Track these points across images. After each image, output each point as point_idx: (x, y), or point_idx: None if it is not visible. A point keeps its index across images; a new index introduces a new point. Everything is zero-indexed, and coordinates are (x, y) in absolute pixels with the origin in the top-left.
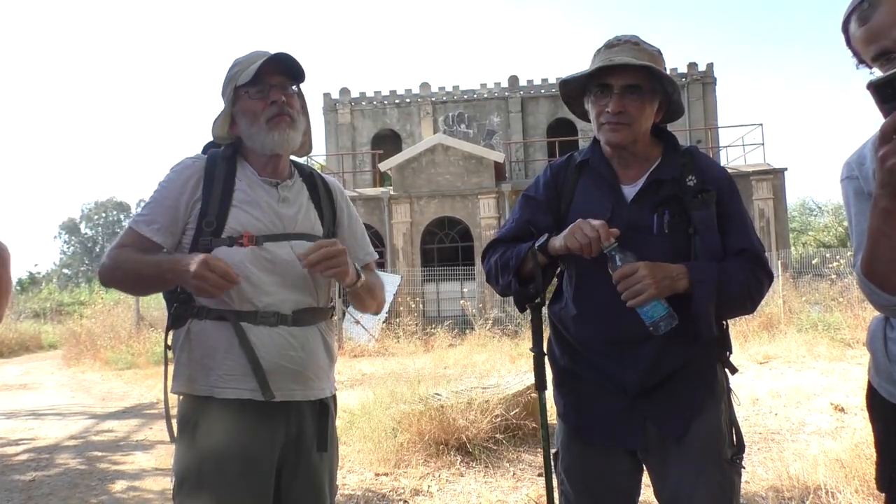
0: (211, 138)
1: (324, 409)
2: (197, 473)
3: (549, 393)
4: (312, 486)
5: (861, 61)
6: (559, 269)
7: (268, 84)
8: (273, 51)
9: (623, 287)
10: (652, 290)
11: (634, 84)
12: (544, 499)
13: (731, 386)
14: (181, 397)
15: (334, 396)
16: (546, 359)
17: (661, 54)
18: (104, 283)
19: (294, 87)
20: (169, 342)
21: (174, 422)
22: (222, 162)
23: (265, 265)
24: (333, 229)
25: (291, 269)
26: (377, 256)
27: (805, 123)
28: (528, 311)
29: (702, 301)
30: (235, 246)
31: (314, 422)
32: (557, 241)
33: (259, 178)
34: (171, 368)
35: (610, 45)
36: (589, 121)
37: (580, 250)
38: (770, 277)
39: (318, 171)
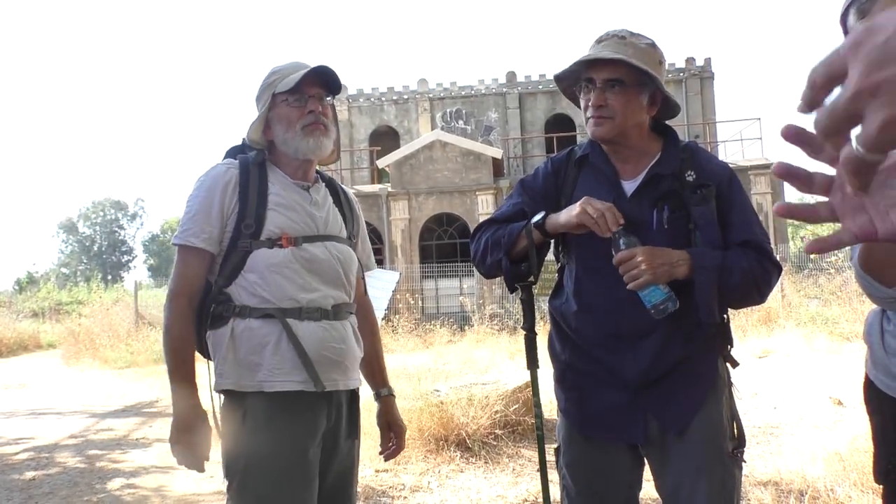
0: (236, 142)
1: (355, 398)
2: (245, 469)
3: (551, 389)
4: (345, 471)
5: None
6: (549, 252)
7: (306, 94)
8: (312, 62)
9: (622, 271)
10: (648, 276)
11: (616, 78)
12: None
13: (732, 380)
14: (221, 396)
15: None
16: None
17: (652, 47)
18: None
19: (329, 99)
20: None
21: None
22: (254, 167)
23: (305, 264)
24: (355, 233)
25: (329, 266)
26: (375, 267)
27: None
28: (519, 290)
29: (703, 287)
30: (275, 248)
31: (348, 410)
32: (561, 217)
33: (291, 181)
34: (207, 367)
35: (599, 41)
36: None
37: (595, 226)
38: (778, 268)
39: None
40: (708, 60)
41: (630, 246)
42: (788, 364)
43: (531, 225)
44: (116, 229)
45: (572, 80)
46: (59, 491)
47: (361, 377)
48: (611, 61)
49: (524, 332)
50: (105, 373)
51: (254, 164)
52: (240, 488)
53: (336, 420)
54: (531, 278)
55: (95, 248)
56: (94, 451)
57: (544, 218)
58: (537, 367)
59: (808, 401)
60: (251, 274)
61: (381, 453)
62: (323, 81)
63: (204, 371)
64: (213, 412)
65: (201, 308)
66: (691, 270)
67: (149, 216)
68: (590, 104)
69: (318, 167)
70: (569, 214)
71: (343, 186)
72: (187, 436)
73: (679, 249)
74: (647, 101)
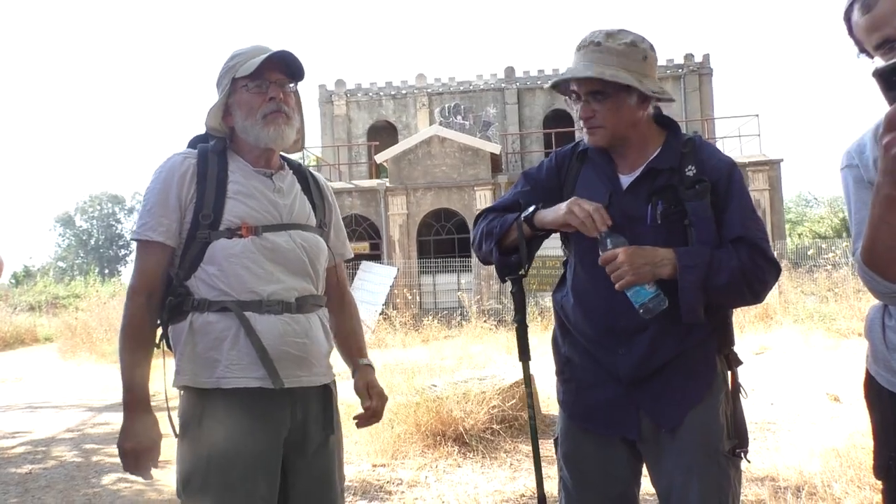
0: (199, 133)
1: (327, 394)
2: (204, 471)
3: (548, 382)
4: (319, 470)
5: (862, 50)
6: (556, 248)
7: (267, 80)
8: (274, 47)
9: (608, 271)
10: (630, 277)
11: (597, 90)
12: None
13: (739, 380)
14: (182, 392)
15: (334, 382)
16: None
17: (632, 45)
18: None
19: (292, 85)
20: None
21: (174, 415)
22: (214, 156)
23: (267, 254)
24: (325, 221)
25: (293, 256)
26: (352, 255)
27: (801, 114)
28: (510, 283)
29: (686, 287)
30: (234, 237)
31: (320, 406)
32: (549, 215)
33: (253, 169)
34: (168, 362)
35: (578, 48)
36: None
37: (582, 226)
38: (775, 266)
39: (315, 162)
40: (706, 56)
41: (616, 246)
42: (786, 360)
43: (521, 219)
44: (113, 223)
45: (565, 89)
46: (56, 485)
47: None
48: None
49: (518, 321)
50: (102, 367)
51: (213, 152)
52: (200, 490)
53: (304, 417)
54: (522, 271)
55: (92, 242)
56: (91, 445)
57: (534, 213)
58: (528, 358)
59: (805, 397)
60: (210, 266)
61: (354, 418)
62: (285, 67)
63: (166, 367)
64: (168, 412)
65: (164, 302)
66: (675, 270)
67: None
68: (578, 115)
69: (284, 154)
70: (556, 213)
71: (314, 173)
72: (134, 440)
73: (674, 246)
74: (635, 101)
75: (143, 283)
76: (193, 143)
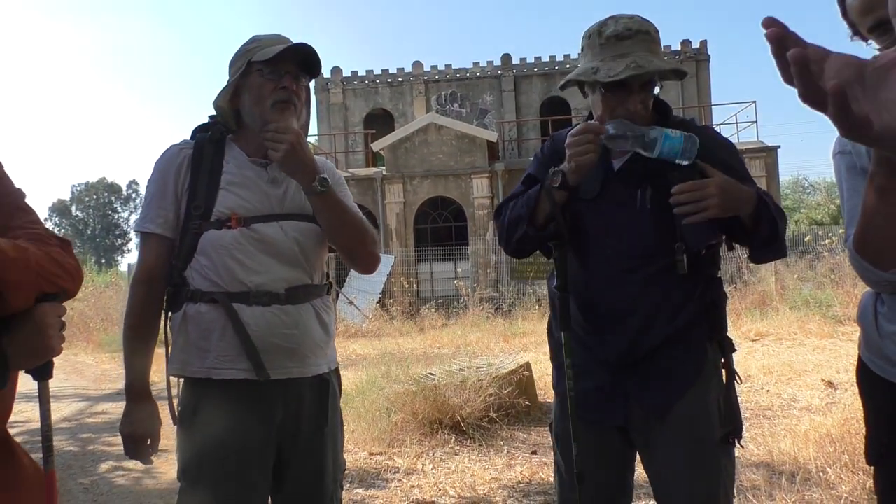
0: (200, 122)
1: (323, 385)
2: (198, 462)
3: (548, 372)
4: (312, 461)
5: (856, 33)
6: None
7: (283, 69)
8: (295, 39)
9: (686, 198)
10: (715, 210)
11: (651, 80)
12: (538, 478)
13: (734, 367)
14: (181, 381)
15: (336, 371)
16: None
17: (656, 29)
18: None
19: (305, 79)
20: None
21: (175, 403)
22: (209, 145)
23: (255, 245)
24: None
25: (282, 247)
26: None
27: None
28: (553, 250)
29: (767, 216)
30: (224, 229)
31: (314, 398)
32: (569, 171)
33: (248, 158)
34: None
35: (620, 38)
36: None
37: (587, 145)
38: (784, 219)
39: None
40: (704, 43)
41: (619, 129)
42: (781, 347)
43: (549, 184)
44: (110, 212)
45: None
46: None
47: (335, 360)
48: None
49: (558, 292)
50: (98, 356)
51: (209, 141)
52: (195, 478)
53: (298, 408)
54: (560, 237)
55: (89, 232)
56: (88, 435)
57: (560, 173)
58: (569, 328)
59: (800, 383)
60: (202, 257)
61: None
62: (302, 60)
63: (168, 356)
64: (171, 399)
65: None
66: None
67: (142, 199)
68: (626, 107)
69: None
70: (568, 164)
71: (319, 158)
72: (134, 425)
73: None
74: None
75: (145, 273)
76: (196, 132)
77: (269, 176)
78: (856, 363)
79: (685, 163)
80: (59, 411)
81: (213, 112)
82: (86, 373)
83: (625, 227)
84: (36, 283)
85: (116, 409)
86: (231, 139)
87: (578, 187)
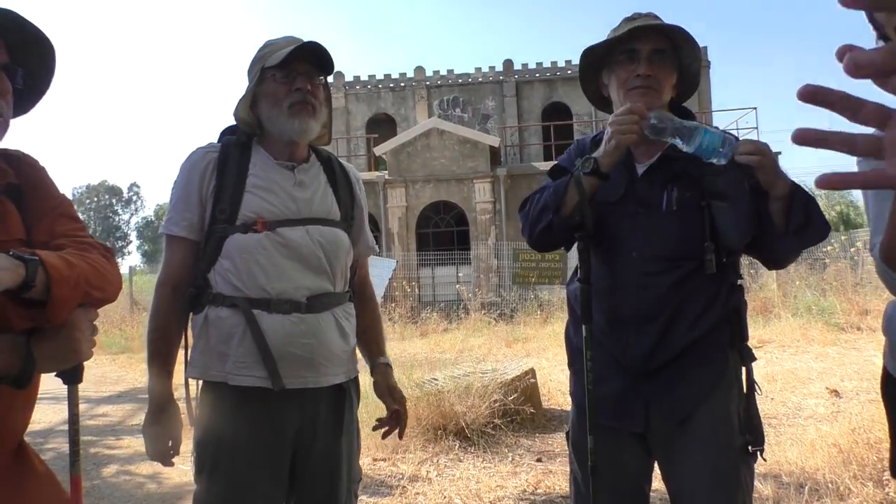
0: (226, 125)
1: (340, 394)
2: (213, 461)
3: (553, 379)
4: (328, 468)
5: (882, 36)
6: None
7: (295, 70)
8: (306, 38)
9: (752, 148)
10: (775, 167)
11: (662, 48)
12: (543, 486)
13: (754, 377)
14: (200, 383)
15: (356, 380)
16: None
17: None
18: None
19: (321, 78)
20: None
21: (193, 405)
22: (235, 148)
23: (280, 250)
24: (352, 214)
25: (308, 252)
26: (377, 250)
27: (799, 107)
28: (577, 242)
29: (801, 198)
30: (250, 232)
31: (329, 408)
32: (605, 153)
33: (274, 161)
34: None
35: (631, 19)
36: (596, 103)
37: (631, 125)
38: (815, 203)
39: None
40: (704, 49)
41: (663, 120)
42: (784, 354)
43: (580, 173)
44: (111, 215)
45: (597, 58)
46: None
47: (356, 368)
48: (655, 32)
49: (581, 285)
50: (100, 358)
51: (235, 145)
52: (207, 480)
53: (314, 417)
54: (585, 228)
55: (90, 234)
56: (89, 437)
57: (594, 161)
58: (591, 320)
59: (805, 391)
60: (226, 260)
61: (376, 428)
62: (314, 59)
63: (188, 358)
64: (189, 400)
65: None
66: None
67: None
68: (636, 73)
69: (313, 145)
70: (606, 146)
71: (346, 165)
72: (156, 427)
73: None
74: (675, 79)
75: (169, 276)
76: (223, 135)
77: (296, 179)
78: (881, 374)
79: (722, 162)
80: (59, 413)
81: (214, 114)
82: (86, 375)
83: (650, 230)
84: (81, 298)
85: (117, 411)
86: (257, 142)
87: (607, 178)
